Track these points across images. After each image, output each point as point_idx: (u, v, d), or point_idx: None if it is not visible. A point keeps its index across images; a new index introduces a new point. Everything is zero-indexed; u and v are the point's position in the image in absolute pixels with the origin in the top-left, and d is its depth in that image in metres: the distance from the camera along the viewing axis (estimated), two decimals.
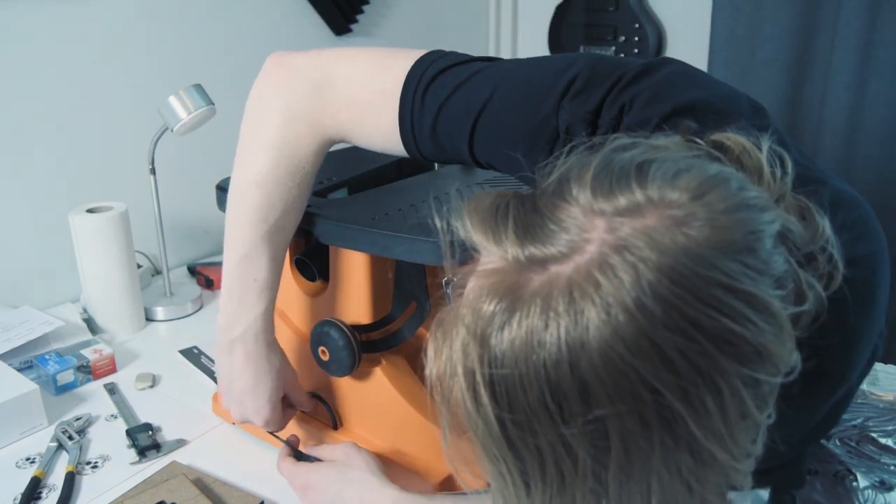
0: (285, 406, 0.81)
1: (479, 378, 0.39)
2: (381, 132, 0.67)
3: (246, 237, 0.71)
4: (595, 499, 0.40)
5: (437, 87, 0.63)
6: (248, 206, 0.70)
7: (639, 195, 0.39)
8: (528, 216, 0.41)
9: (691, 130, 0.48)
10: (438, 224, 0.46)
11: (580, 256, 0.38)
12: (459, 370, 0.40)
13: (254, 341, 0.74)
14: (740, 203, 0.40)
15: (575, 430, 0.38)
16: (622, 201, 0.39)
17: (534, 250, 0.39)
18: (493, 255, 0.41)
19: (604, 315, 0.36)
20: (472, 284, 0.41)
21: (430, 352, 0.43)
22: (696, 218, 0.38)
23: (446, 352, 0.41)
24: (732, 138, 0.47)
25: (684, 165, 0.41)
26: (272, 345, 0.76)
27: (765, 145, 0.46)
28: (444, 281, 0.47)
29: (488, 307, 0.39)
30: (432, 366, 0.43)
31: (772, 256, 0.40)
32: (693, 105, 0.53)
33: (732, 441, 0.39)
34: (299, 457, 0.79)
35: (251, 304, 0.73)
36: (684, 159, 0.43)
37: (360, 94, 0.67)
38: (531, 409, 0.38)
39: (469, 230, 0.42)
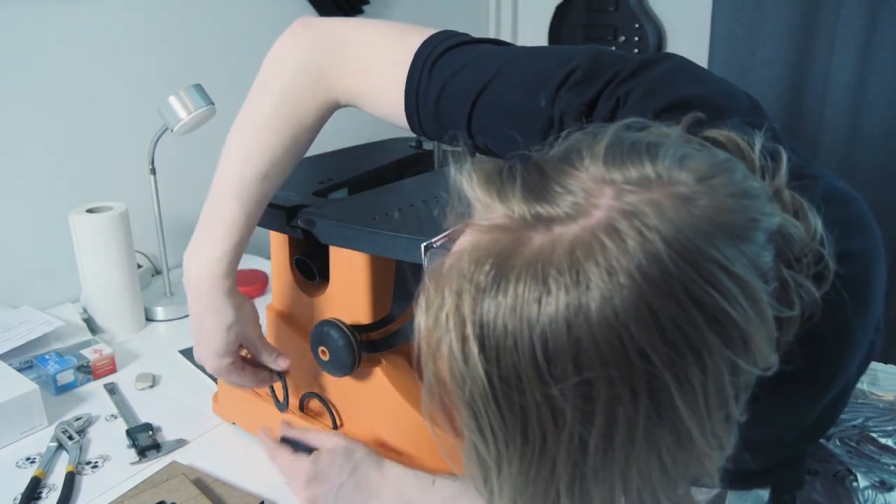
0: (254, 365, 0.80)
1: (469, 331, 0.39)
2: (388, 101, 0.67)
3: (227, 174, 0.70)
4: (573, 467, 0.40)
5: (444, 63, 0.64)
6: (238, 145, 0.70)
7: (649, 169, 0.40)
8: (534, 178, 0.41)
9: (693, 122, 0.49)
10: (454, 176, 0.45)
11: (586, 219, 0.39)
12: (451, 323, 0.40)
13: (207, 289, 0.71)
14: (744, 190, 0.41)
15: (563, 391, 0.38)
16: (633, 173, 0.40)
17: (540, 209, 0.40)
18: (496, 212, 0.41)
19: (606, 276, 0.37)
20: (470, 238, 0.41)
21: (422, 303, 0.42)
22: (702, 198, 0.39)
23: (438, 303, 0.41)
24: (726, 135, 0.48)
25: (693, 150, 0.42)
26: (227, 296, 0.72)
27: (758, 144, 0.47)
28: (423, 245, 0.47)
29: (486, 261, 0.39)
30: (422, 317, 0.42)
31: (762, 251, 0.41)
32: (688, 101, 0.53)
33: (710, 425, 0.39)
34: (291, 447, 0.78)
35: (211, 244, 0.70)
36: (691, 146, 0.43)
37: (372, 60, 0.68)
38: (521, 367, 0.38)
39: (474, 185, 0.42)
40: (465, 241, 0.42)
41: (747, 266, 0.39)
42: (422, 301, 0.42)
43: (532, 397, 0.38)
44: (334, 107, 0.71)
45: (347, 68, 0.68)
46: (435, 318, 0.41)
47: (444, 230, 0.46)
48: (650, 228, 0.37)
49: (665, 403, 0.38)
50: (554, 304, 0.37)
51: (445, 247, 0.43)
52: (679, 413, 0.38)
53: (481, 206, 0.42)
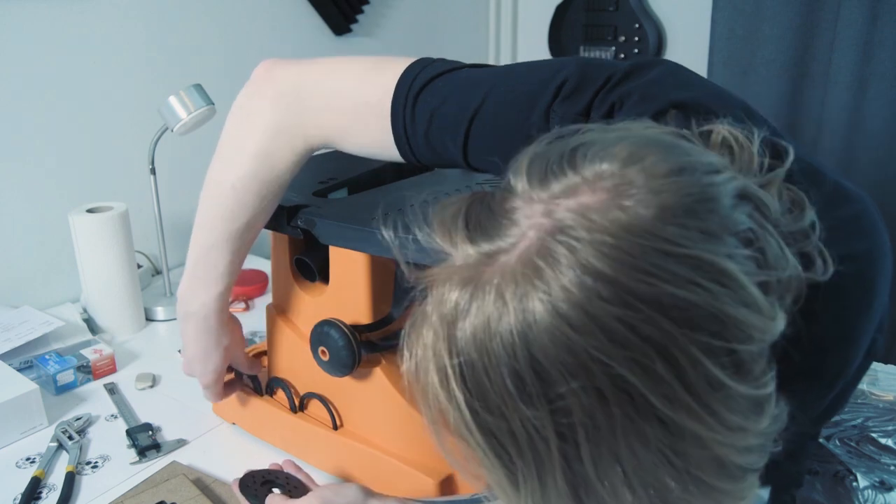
0: (234, 380, 0.89)
1: (448, 370, 0.41)
2: (372, 141, 0.68)
3: (214, 231, 0.74)
4: (574, 478, 0.40)
5: (427, 95, 0.63)
6: (222, 205, 0.73)
7: (572, 178, 0.40)
8: (481, 214, 0.43)
9: (680, 120, 0.48)
10: (387, 236, 0.49)
11: (523, 243, 0.40)
12: (431, 364, 0.42)
13: (204, 321, 0.79)
14: (682, 166, 0.40)
15: (539, 411, 0.39)
16: (556, 186, 0.40)
17: (486, 246, 0.41)
18: (454, 255, 0.43)
19: (545, 297, 0.38)
20: (438, 281, 0.43)
21: (405, 350, 0.44)
22: (633, 185, 0.39)
23: (417, 347, 0.43)
24: (718, 128, 0.47)
25: (623, 136, 0.42)
26: (224, 325, 0.81)
27: (757, 136, 0.46)
28: (417, 289, 0.47)
29: (451, 301, 0.41)
30: (408, 363, 0.44)
31: (731, 214, 0.40)
32: (684, 103, 0.53)
33: (707, 412, 0.39)
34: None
35: (208, 286, 0.77)
36: (628, 132, 0.43)
37: (349, 105, 0.67)
38: (498, 395, 0.39)
39: (431, 238, 0.44)
40: (435, 284, 0.43)
41: (700, 239, 0.38)
42: (405, 348, 0.44)
43: (516, 422, 0.39)
44: (311, 153, 0.72)
45: (319, 119, 0.68)
46: (417, 362, 0.43)
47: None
48: (578, 240, 0.38)
49: (638, 400, 0.38)
50: (509, 332, 0.38)
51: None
52: (656, 407, 0.38)
53: (444, 255, 0.43)
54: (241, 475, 0.76)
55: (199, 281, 0.77)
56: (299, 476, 0.77)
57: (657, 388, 0.37)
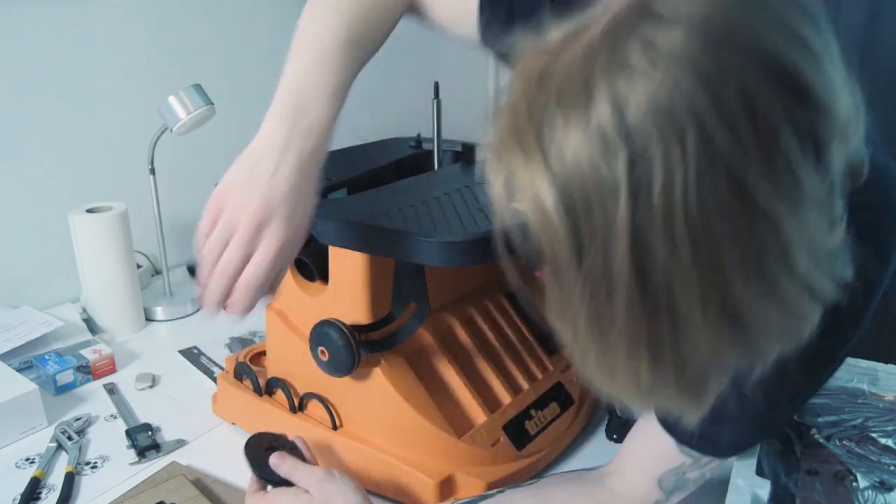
0: None
1: (538, 163, 0.40)
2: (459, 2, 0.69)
3: (330, 32, 0.66)
4: (637, 255, 0.39)
5: None
6: (334, 11, 0.68)
7: None
8: (567, 12, 0.43)
9: None
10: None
11: (612, 9, 0.41)
12: (520, 162, 0.41)
13: (313, 150, 0.61)
14: None
15: (617, 168, 0.38)
16: None
17: (571, 28, 0.42)
18: (539, 47, 0.43)
19: (637, 45, 0.38)
20: (523, 60, 0.43)
21: (486, 156, 0.44)
22: None
23: (500, 143, 0.43)
24: None
25: None
26: (315, 182, 0.63)
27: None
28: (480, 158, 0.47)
29: (531, 89, 0.41)
30: (493, 176, 0.44)
31: (811, 8, 0.41)
32: None
33: (780, 187, 0.38)
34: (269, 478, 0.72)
35: (321, 102, 0.62)
36: None
37: None
38: (578, 146, 0.39)
39: (517, 42, 0.44)
40: (516, 78, 0.43)
41: (790, 5, 0.40)
42: (488, 159, 0.44)
43: (589, 179, 0.39)
44: (405, 8, 0.71)
45: None
46: (503, 160, 0.43)
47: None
48: None
49: (717, 161, 0.37)
50: (603, 95, 0.38)
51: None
52: (732, 168, 0.37)
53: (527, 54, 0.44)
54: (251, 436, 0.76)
55: (309, 97, 0.62)
56: (306, 454, 0.75)
57: (736, 147, 0.37)
